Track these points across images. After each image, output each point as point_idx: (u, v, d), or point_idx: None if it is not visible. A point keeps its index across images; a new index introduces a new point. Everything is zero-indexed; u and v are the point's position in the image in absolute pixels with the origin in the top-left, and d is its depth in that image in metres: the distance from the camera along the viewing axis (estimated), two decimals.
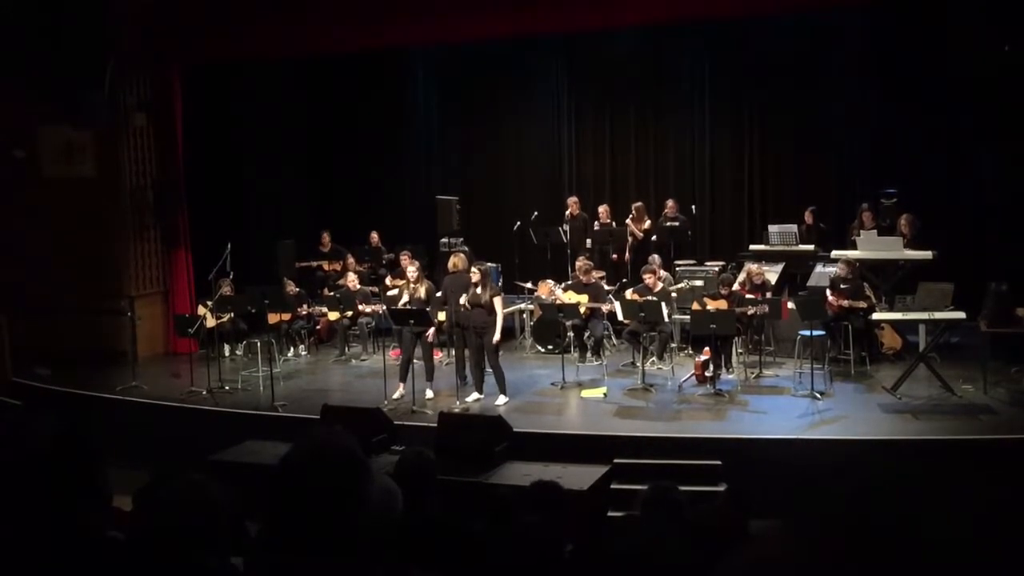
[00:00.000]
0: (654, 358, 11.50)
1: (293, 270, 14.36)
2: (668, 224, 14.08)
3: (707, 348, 10.71)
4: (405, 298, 10.88)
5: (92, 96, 12.55)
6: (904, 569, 1.50)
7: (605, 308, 11.58)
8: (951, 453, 8.43)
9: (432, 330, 10.71)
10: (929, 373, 10.25)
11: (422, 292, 10.82)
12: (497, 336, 10.30)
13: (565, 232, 14.38)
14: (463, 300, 10.40)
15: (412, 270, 11.05)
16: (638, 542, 3.98)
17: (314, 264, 14.94)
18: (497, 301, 10.38)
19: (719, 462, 8.55)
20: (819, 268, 12.67)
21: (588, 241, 14.37)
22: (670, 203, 14.28)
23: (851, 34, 14.32)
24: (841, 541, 1.58)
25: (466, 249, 13.71)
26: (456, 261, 11.30)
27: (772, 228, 13.58)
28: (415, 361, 10.68)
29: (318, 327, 13.62)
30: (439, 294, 11.25)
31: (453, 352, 11.44)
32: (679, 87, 15.67)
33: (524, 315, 13.29)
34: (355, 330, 13.06)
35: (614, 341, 12.57)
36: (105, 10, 12.74)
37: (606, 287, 12.52)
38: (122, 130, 13.26)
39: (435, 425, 9.30)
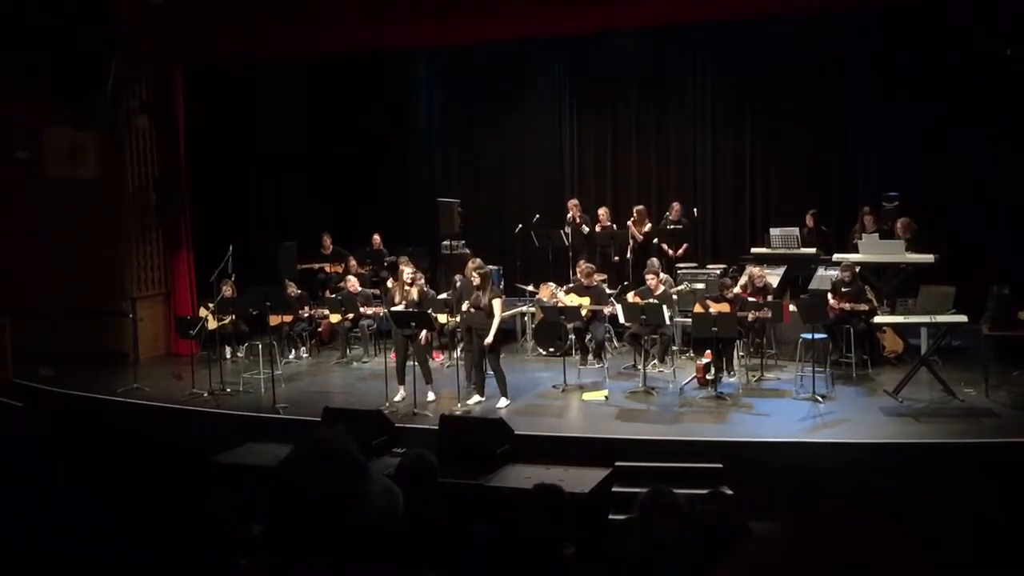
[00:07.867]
0: (655, 361, 11.49)
1: (294, 272, 14.36)
2: (671, 227, 14.07)
3: (709, 351, 10.70)
4: (397, 298, 10.86)
5: (95, 98, 12.56)
6: (906, 572, 1.50)
7: (607, 311, 11.57)
8: (953, 456, 8.43)
9: (424, 332, 10.69)
10: (931, 376, 10.23)
11: (414, 294, 10.80)
12: (490, 338, 10.18)
13: (567, 235, 14.37)
14: (466, 305, 10.39)
15: (408, 271, 11.04)
16: (638, 545, 3.99)
17: (316, 266, 14.94)
18: (496, 304, 10.35)
19: (720, 465, 8.54)
20: (821, 271, 12.65)
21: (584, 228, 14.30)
22: (675, 206, 14.26)
23: (852, 36, 14.34)
24: (843, 544, 1.58)
25: (467, 251, 13.69)
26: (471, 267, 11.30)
27: (774, 231, 13.56)
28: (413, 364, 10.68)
29: (319, 329, 13.61)
30: (444, 296, 11.23)
31: (453, 355, 11.42)
32: (681, 89, 15.65)
33: (526, 318, 13.29)
34: (356, 332, 13.06)
35: (615, 344, 12.57)
36: (108, 12, 12.77)
37: (608, 290, 12.52)
38: (125, 132, 13.27)
39: (436, 427, 9.31)
